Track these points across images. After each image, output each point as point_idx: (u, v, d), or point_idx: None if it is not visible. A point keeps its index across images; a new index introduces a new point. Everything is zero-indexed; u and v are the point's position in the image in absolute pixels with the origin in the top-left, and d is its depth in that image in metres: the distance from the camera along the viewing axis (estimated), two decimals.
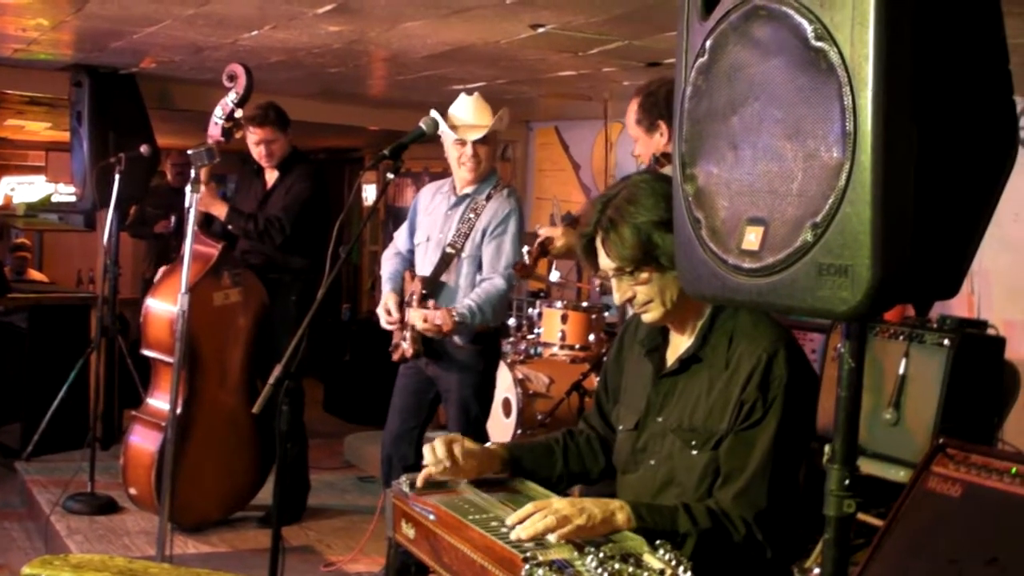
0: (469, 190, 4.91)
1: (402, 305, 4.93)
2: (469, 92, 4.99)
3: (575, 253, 4.15)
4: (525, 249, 4.87)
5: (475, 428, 4.90)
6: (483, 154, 4.85)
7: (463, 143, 4.83)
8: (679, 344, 2.81)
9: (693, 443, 2.66)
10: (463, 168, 4.88)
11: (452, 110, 4.93)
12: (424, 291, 4.82)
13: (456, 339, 4.83)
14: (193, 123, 6.11)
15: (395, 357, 4.99)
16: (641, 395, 2.84)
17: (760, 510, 2.54)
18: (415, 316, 4.69)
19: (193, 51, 6.21)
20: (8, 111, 9.95)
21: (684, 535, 2.48)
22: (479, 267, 4.87)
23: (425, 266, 4.97)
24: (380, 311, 4.96)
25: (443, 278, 4.89)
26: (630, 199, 2.67)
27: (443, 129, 4.84)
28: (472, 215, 4.87)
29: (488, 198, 4.90)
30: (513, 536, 2.35)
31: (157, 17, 5.25)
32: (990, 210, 1.80)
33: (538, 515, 2.38)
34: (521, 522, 2.39)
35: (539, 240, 4.26)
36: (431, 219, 5.02)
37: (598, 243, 2.73)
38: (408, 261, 5.13)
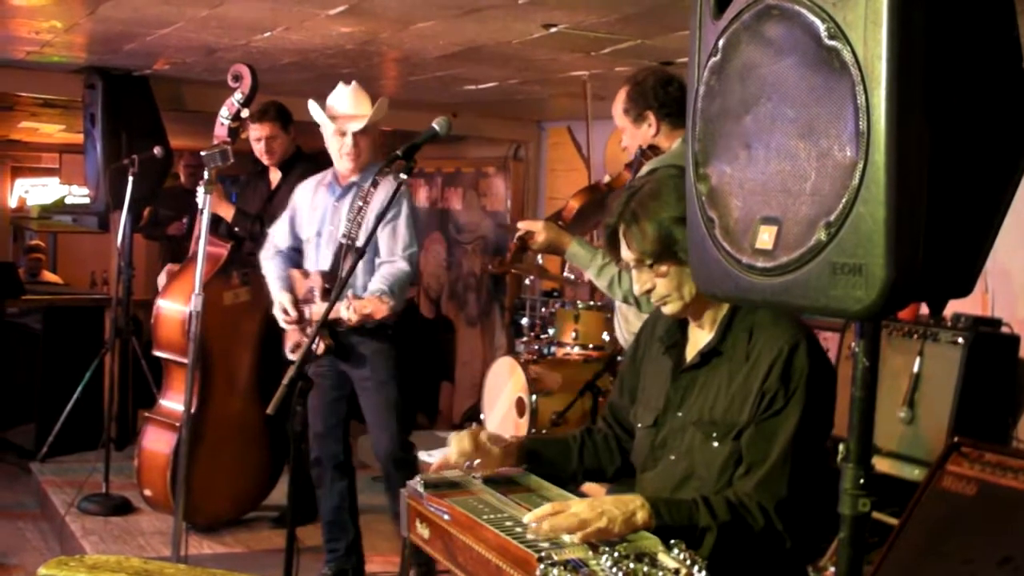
0: (354, 179, 4.85)
1: (296, 303, 4.89)
2: (347, 82, 4.98)
3: (557, 249, 4.13)
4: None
5: (399, 413, 4.88)
6: (364, 144, 4.82)
7: (343, 134, 4.81)
8: (699, 339, 2.83)
9: (714, 435, 2.67)
10: (345, 159, 4.84)
11: (330, 100, 4.91)
12: (327, 285, 4.78)
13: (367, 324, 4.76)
14: (206, 125, 6.12)
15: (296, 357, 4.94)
16: (660, 392, 2.86)
17: (781, 499, 2.55)
18: (333, 310, 4.67)
19: (206, 53, 6.22)
20: (22, 113, 9.98)
21: (704, 529, 2.49)
22: (377, 252, 4.83)
23: (320, 261, 4.92)
24: (276, 312, 4.91)
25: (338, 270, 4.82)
26: (654, 194, 2.71)
27: (321, 120, 4.85)
28: (361, 203, 4.79)
29: (375, 184, 4.81)
30: (530, 536, 2.35)
31: (170, 19, 5.26)
32: (1004, 208, 1.80)
33: (559, 517, 2.37)
34: (539, 521, 2.38)
35: (518, 234, 4.18)
36: (317, 214, 4.96)
37: (620, 234, 2.76)
38: (291, 259, 5.08)
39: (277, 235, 5.16)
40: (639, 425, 2.94)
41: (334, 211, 4.87)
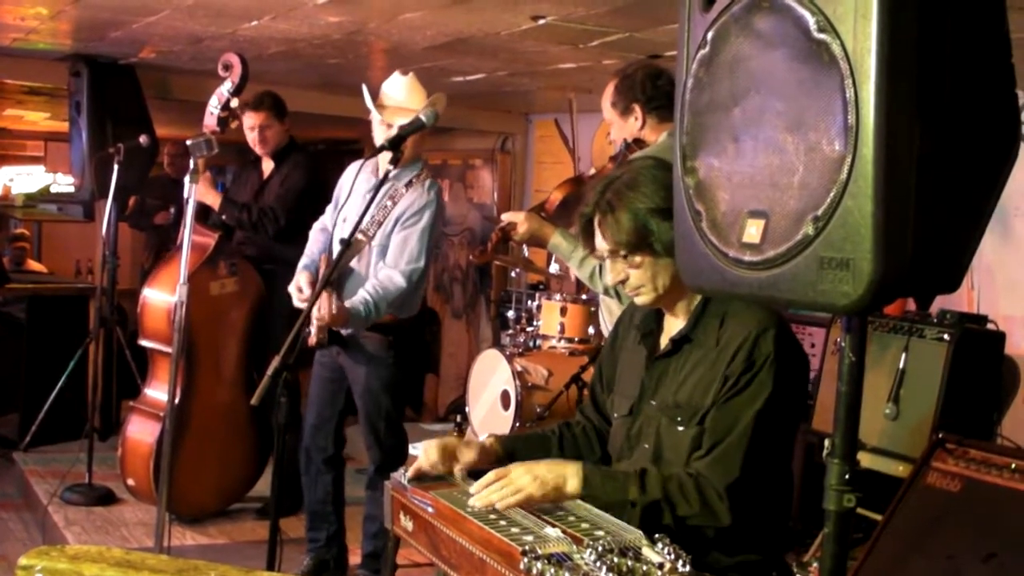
0: (391, 173, 4.51)
1: (315, 284, 4.76)
2: (404, 72, 4.83)
3: (539, 240, 4.13)
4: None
5: (387, 423, 4.83)
6: (409, 140, 4.43)
7: (389, 126, 4.63)
8: (673, 328, 2.84)
9: (679, 419, 2.69)
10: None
11: (385, 88, 4.79)
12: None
13: (343, 331, 4.72)
14: (192, 114, 6.09)
15: (310, 343, 4.91)
16: (635, 381, 2.88)
17: (733, 480, 2.56)
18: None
19: (192, 41, 6.19)
20: (7, 101, 9.93)
21: (632, 503, 2.55)
22: (384, 255, 4.73)
23: (336, 247, 4.79)
24: (292, 289, 4.78)
25: (351, 264, 4.75)
26: (630, 184, 2.71)
27: (370, 107, 4.72)
28: (389, 202, 4.72)
29: (408, 185, 4.73)
30: (470, 503, 2.50)
31: (156, 7, 5.23)
32: (992, 205, 1.80)
33: (496, 485, 2.53)
34: (481, 490, 2.54)
35: (500, 226, 4.19)
36: (353, 199, 4.78)
37: (595, 224, 2.76)
38: (330, 239, 4.99)
39: (327, 212, 5.11)
40: (615, 415, 2.96)
41: (364, 201, 4.75)
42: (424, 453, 2.85)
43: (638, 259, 2.71)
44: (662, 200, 2.60)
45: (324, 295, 4.44)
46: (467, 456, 2.87)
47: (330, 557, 5.06)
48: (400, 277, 4.65)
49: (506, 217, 4.18)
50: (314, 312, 4.49)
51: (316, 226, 5.13)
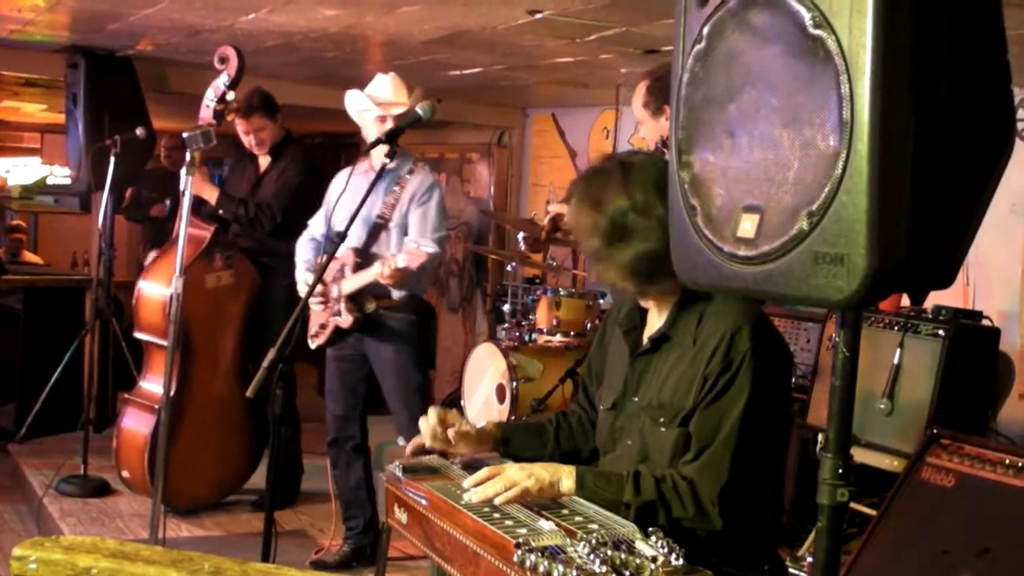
0: (390, 166, 4.74)
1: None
2: (385, 72, 5.07)
3: None
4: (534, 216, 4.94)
5: (418, 397, 4.99)
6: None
7: (383, 119, 4.86)
8: (653, 325, 2.85)
9: (661, 420, 2.70)
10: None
11: (370, 90, 5.00)
12: (359, 260, 4.91)
13: (395, 295, 4.91)
14: (190, 106, 6.08)
15: (316, 343, 5.08)
16: (619, 376, 2.90)
17: (723, 484, 2.56)
18: (368, 275, 4.80)
19: (190, 34, 6.18)
20: (3, 92, 9.90)
21: (626, 504, 2.56)
22: (406, 232, 4.95)
23: (352, 241, 4.96)
24: (301, 288, 4.96)
25: (373, 249, 4.95)
26: (611, 180, 2.72)
27: (363, 107, 4.94)
28: (397, 188, 4.96)
29: (410, 172, 4.99)
30: (466, 498, 2.51)
31: None
32: (986, 201, 1.80)
33: (492, 481, 2.54)
34: (476, 485, 2.56)
35: (551, 215, 4.39)
36: (352, 197, 4.84)
37: (577, 219, 2.79)
38: (322, 247, 5.14)
39: (314, 223, 5.27)
40: (601, 407, 2.98)
41: (369, 195, 4.85)
42: (423, 420, 2.92)
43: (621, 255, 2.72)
44: (642, 196, 2.63)
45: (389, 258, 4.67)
46: (465, 437, 2.91)
47: (367, 543, 5.20)
48: (431, 244, 4.86)
49: (554, 208, 4.38)
50: (384, 279, 4.70)
51: (303, 238, 5.26)
